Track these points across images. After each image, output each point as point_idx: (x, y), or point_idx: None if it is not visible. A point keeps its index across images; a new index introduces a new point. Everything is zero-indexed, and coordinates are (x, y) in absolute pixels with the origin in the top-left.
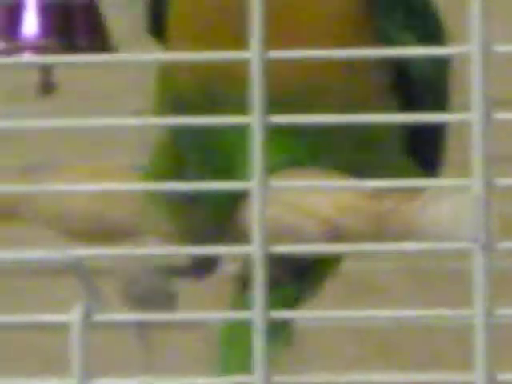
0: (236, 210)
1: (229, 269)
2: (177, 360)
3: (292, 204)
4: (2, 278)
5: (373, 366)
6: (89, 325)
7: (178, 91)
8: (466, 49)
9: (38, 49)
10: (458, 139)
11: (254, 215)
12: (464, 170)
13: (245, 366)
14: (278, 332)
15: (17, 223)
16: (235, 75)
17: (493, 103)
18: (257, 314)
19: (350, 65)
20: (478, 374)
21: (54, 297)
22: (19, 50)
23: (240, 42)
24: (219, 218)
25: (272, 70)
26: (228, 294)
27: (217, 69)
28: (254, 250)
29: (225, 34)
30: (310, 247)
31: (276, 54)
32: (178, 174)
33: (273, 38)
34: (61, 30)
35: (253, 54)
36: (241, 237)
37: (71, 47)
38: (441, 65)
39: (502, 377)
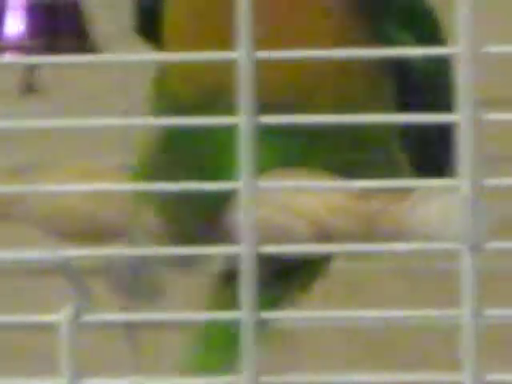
0: (224, 210)
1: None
2: (167, 360)
3: (281, 204)
4: None
5: (361, 365)
6: (78, 325)
7: (175, 103)
8: (455, 49)
9: (21, 49)
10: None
11: (242, 215)
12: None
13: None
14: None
15: (5, 223)
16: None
17: (481, 103)
18: (246, 314)
19: (342, 66)
20: (467, 375)
21: (42, 297)
22: (2, 50)
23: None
24: (207, 217)
25: (261, 73)
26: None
27: (215, 80)
28: (243, 250)
29: (222, 39)
30: (299, 247)
31: (264, 54)
32: (167, 174)
33: (269, 42)
34: (45, 31)
35: (240, 54)
36: (228, 237)
37: (55, 48)
38: (439, 64)
39: (490, 377)
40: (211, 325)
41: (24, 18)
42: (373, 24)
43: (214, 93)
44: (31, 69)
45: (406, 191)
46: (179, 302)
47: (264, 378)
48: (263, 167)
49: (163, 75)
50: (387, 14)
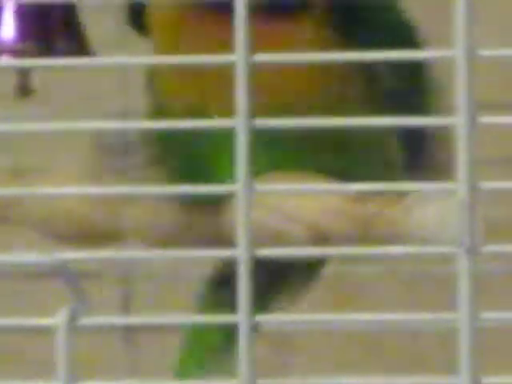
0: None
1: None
2: (162, 362)
3: (277, 208)
4: None
5: (358, 369)
6: (74, 328)
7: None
8: (451, 53)
9: (15, 52)
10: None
11: (239, 218)
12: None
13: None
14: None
15: (2, 226)
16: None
17: (477, 107)
18: (242, 318)
19: (324, 77)
20: (463, 377)
21: (39, 300)
22: None
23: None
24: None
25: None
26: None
27: (206, 95)
28: (239, 253)
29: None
30: (295, 251)
31: (261, 57)
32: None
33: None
34: (39, 34)
35: (238, 57)
36: (224, 240)
37: (49, 50)
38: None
39: (486, 380)
40: (200, 327)
41: (17, 22)
42: (347, 36)
43: (198, 110)
44: (26, 72)
45: (403, 194)
46: (178, 304)
47: (261, 381)
48: (257, 171)
49: (151, 83)
50: (360, 26)
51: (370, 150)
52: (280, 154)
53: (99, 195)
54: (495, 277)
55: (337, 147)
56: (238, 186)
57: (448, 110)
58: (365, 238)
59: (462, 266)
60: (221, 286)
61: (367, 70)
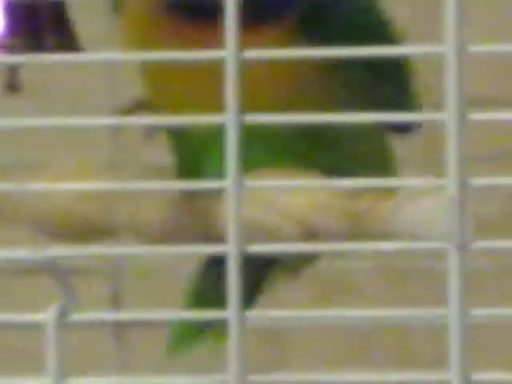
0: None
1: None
2: (152, 358)
3: (268, 203)
4: None
5: (348, 365)
6: (64, 324)
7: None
8: (441, 49)
9: (3, 48)
10: (433, 139)
11: (229, 214)
12: (439, 170)
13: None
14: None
15: None
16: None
17: (468, 102)
18: (232, 313)
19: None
20: (453, 374)
21: (28, 296)
22: None
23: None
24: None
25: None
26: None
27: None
28: (229, 249)
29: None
30: (285, 246)
31: (252, 53)
32: None
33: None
34: (27, 30)
35: (228, 53)
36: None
37: (38, 46)
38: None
39: (476, 376)
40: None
41: (5, 17)
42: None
43: (183, 106)
44: (14, 68)
45: (393, 189)
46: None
47: (252, 377)
48: (247, 166)
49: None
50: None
51: (359, 145)
52: (270, 149)
53: (92, 191)
54: (485, 273)
55: (326, 143)
56: (228, 181)
57: (435, 107)
58: (355, 234)
59: (452, 262)
60: (211, 265)
61: (344, 73)
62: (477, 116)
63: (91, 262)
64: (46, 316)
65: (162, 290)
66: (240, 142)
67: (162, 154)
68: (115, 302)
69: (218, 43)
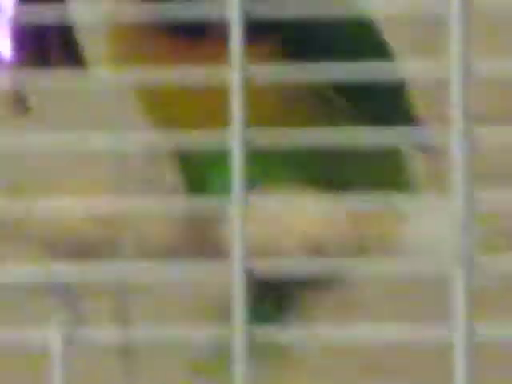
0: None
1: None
2: (159, 377)
3: (271, 221)
4: None
5: (354, 381)
6: (70, 344)
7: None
8: (446, 68)
9: (11, 67)
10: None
11: (233, 232)
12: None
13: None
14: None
15: None
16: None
17: (473, 119)
18: (237, 331)
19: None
20: None
21: (35, 316)
22: None
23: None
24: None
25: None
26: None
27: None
28: (233, 266)
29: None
30: (289, 263)
31: (258, 69)
32: None
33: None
34: (36, 53)
35: (233, 73)
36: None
37: (45, 65)
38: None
39: None
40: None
41: (14, 40)
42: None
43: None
44: (23, 91)
45: (398, 207)
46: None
47: None
48: (250, 182)
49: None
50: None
51: (367, 161)
52: (273, 166)
53: (99, 210)
54: (490, 290)
55: (332, 159)
56: (232, 198)
57: (439, 122)
58: (359, 250)
59: (457, 279)
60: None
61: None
62: (483, 134)
63: (97, 280)
64: (53, 336)
65: (170, 307)
66: (244, 160)
67: (167, 173)
68: (121, 320)
69: (207, 60)
